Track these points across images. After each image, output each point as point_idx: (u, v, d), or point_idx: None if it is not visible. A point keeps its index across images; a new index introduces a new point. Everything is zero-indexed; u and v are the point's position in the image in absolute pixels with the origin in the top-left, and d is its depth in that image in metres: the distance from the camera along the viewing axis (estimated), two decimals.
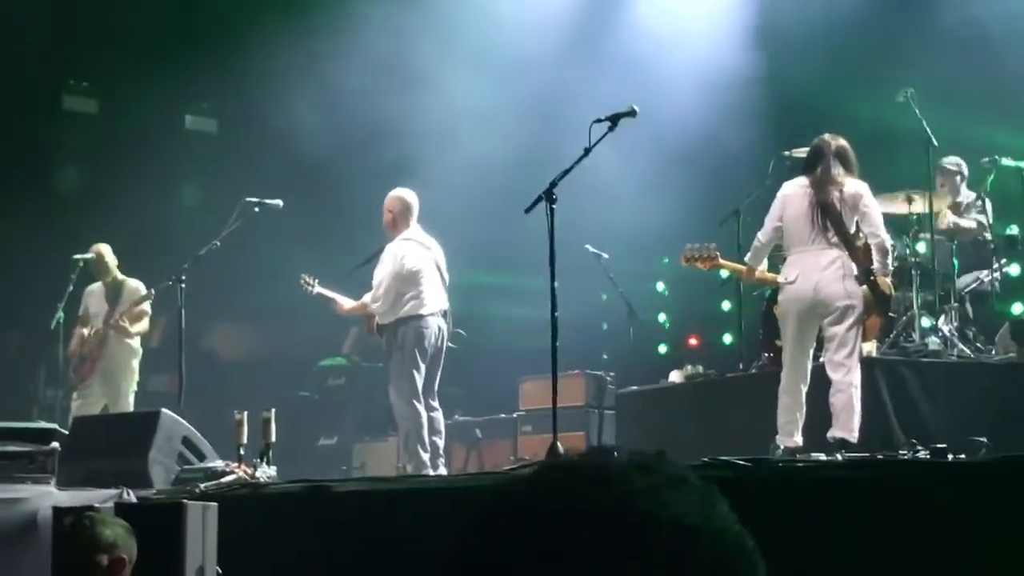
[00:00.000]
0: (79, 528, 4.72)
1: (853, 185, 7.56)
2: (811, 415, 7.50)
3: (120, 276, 10.68)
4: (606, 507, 1.16)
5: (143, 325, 10.54)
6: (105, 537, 4.63)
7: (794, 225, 7.57)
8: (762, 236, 7.82)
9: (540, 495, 1.20)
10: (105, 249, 10.61)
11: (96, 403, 10.42)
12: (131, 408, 10.27)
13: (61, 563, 4.69)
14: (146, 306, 10.45)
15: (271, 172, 12.03)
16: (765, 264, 8.05)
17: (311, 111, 12.51)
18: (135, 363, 10.56)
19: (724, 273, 9.50)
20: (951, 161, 9.65)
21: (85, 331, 10.57)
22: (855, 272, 7.47)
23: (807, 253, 7.50)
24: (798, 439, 7.33)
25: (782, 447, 7.30)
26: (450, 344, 9.12)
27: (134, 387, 10.51)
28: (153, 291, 10.07)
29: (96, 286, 10.72)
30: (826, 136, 7.72)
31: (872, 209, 7.59)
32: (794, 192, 7.65)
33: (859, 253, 7.55)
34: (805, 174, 7.68)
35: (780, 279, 7.65)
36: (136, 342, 10.54)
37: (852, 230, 7.54)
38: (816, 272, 7.43)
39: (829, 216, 7.46)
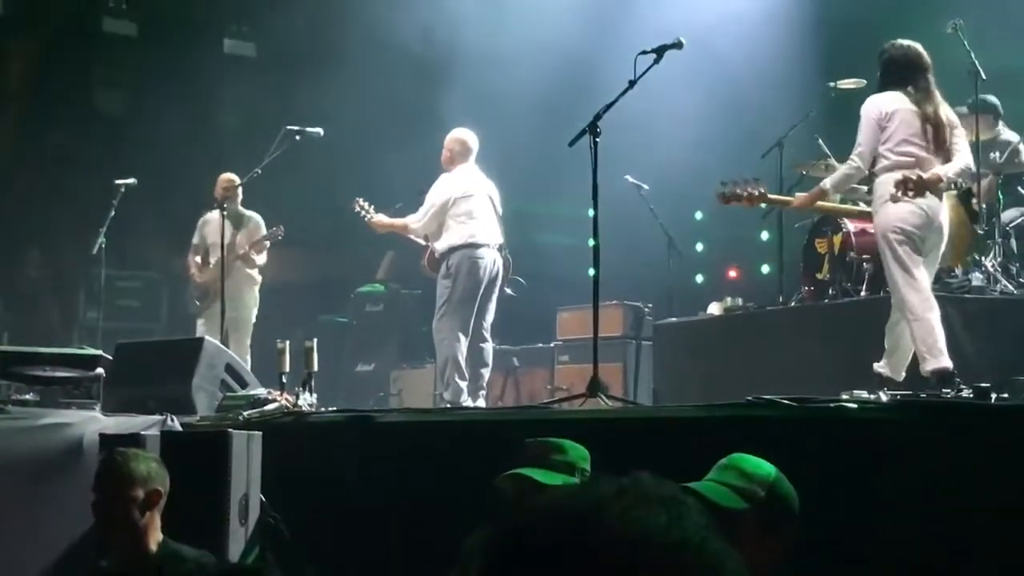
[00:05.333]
0: (113, 464, 4.71)
1: (946, 106, 7.09)
2: (860, 348, 7.48)
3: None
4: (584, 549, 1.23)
5: (264, 257, 10.68)
6: (140, 472, 4.62)
7: (904, 142, 6.93)
8: (860, 160, 7.04)
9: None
10: (235, 178, 10.51)
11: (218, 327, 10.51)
12: (250, 333, 10.44)
13: (99, 499, 4.68)
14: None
15: (312, 97, 11.96)
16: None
17: (351, 35, 12.42)
18: (257, 291, 10.72)
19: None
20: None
21: (212, 260, 10.55)
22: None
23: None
24: (945, 361, 6.64)
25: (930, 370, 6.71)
26: (508, 291, 9.08)
27: (255, 313, 10.64)
28: (282, 228, 10.32)
29: (212, 215, 10.60)
30: (916, 46, 7.14)
31: (963, 133, 7.18)
32: (898, 107, 6.96)
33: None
34: (899, 87, 7.05)
35: (892, 192, 6.77)
36: (256, 272, 10.69)
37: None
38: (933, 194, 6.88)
39: (938, 134, 6.91)
